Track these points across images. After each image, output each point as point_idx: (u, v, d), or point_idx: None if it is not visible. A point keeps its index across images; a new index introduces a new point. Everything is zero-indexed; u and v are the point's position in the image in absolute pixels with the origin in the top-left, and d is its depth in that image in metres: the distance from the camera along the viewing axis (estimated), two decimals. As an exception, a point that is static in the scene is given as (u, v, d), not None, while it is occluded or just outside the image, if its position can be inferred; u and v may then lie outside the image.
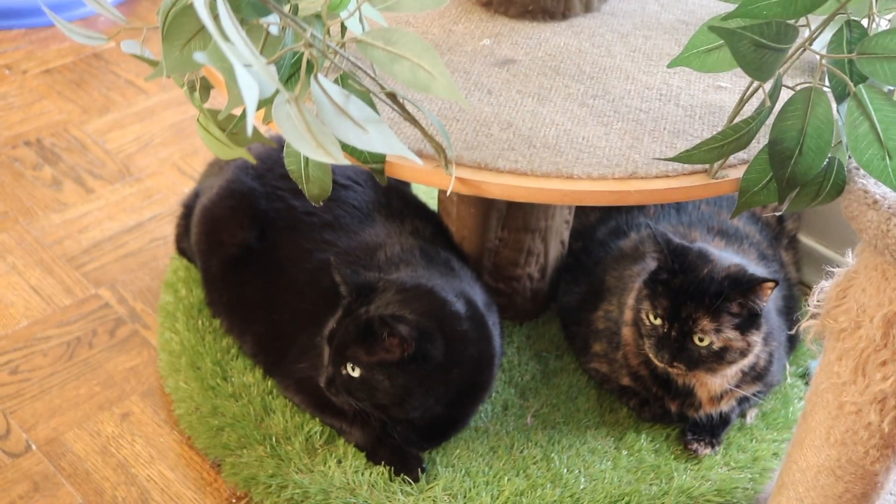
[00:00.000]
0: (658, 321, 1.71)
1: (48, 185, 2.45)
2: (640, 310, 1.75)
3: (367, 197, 1.93)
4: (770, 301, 1.83)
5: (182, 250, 2.15)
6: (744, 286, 1.66)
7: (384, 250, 1.84)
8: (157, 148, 2.59)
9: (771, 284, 1.66)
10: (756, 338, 1.71)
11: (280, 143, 1.93)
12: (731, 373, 1.78)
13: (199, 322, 2.00)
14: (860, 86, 1.27)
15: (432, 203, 2.15)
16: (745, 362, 1.76)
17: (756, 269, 1.78)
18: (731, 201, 2.05)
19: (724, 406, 1.84)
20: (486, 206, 1.93)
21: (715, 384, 1.79)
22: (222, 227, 1.93)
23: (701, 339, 1.69)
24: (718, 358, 1.71)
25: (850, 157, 1.37)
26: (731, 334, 1.69)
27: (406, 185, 2.19)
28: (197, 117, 1.47)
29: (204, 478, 1.82)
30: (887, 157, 1.26)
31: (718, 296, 1.66)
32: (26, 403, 1.93)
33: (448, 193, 1.44)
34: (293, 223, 1.89)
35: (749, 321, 1.70)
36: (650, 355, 1.74)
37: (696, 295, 1.68)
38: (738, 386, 1.81)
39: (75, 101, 2.73)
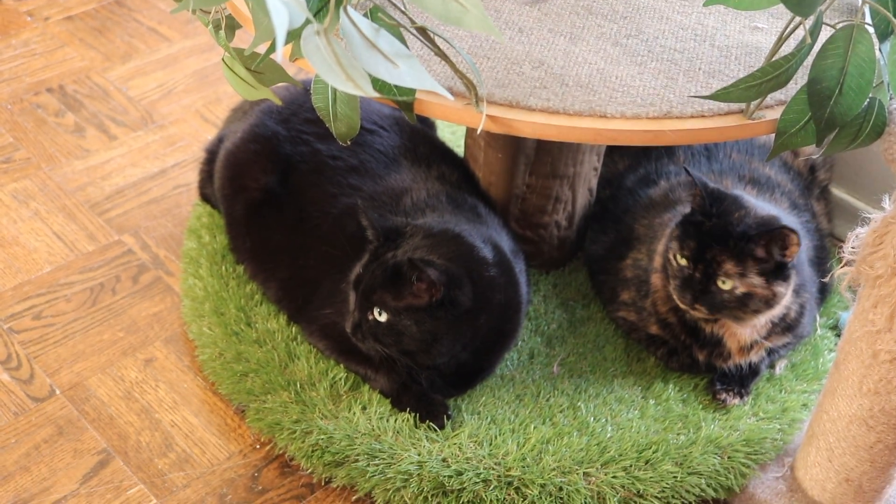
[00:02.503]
0: (684, 262, 1.70)
1: (71, 132, 2.43)
2: (668, 249, 1.73)
3: (393, 142, 1.90)
4: (802, 252, 1.80)
5: (205, 196, 2.13)
6: (767, 230, 1.63)
7: (410, 195, 1.81)
8: (180, 95, 2.57)
9: (795, 239, 1.62)
10: (782, 289, 1.68)
11: (306, 85, 1.91)
12: (761, 323, 1.75)
13: (223, 268, 1.99)
14: (904, 22, 1.24)
15: (458, 149, 2.13)
16: (774, 313, 1.74)
17: (790, 219, 1.75)
18: (763, 150, 2.01)
19: (754, 356, 1.82)
20: (513, 152, 1.90)
21: (744, 335, 1.77)
22: (246, 172, 1.91)
23: (724, 283, 1.66)
24: (741, 304, 1.68)
25: (891, 98, 1.34)
26: (755, 280, 1.66)
27: (432, 129, 2.17)
28: (222, 57, 1.45)
29: (228, 423, 1.82)
30: (931, 97, 1.22)
31: (743, 239, 1.64)
32: (50, 349, 1.93)
33: (479, 131, 1.41)
34: (318, 167, 1.87)
35: (776, 271, 1.67)
36: (674, 296, 1.72)
37: (722, 238, 1.65)
38: (767, 337, 1.79)
39: (97, 48, 2.71)
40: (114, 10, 2.86)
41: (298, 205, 1.86)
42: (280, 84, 1.46)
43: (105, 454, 1.75)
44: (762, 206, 1.72)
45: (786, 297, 1.71)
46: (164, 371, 1.90)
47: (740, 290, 1.67)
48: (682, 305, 1.73)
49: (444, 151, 1.98)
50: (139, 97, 2.56)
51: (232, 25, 1.51)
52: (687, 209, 1.75)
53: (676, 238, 1.71)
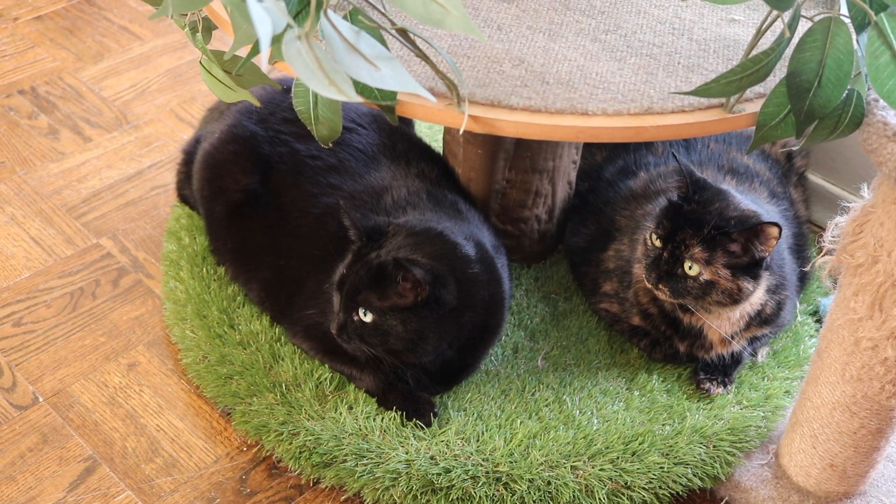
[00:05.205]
0: (658, 242, 1.70)
1: (45, 135, 2.41)
2: (647, 228, 1.74)
3: (372, 139, 1.90)
4: (783, 249, 1.81)
5: (184, 198, 2.12)
6: (747, 225, 1.63)
7: (390, 193, 1.81)
8: (154, 94, 2.55)
9: (776, 233, 1.63)
10: (748, 286, 1.68)
11: (285, 85, 1.89)
12: (735, 317, 1.76)
13: (204, 270, 1.98)
14: (881, 14, 1.24)
15: (437, 145, 2.12)
16: (747, 309, 1.74)
17: (770, 216, 1.76)
18: (741, 139, 2.02)
19: (736, 346, 1.82)
20: (493, 147, 1.90)
21: (722, 327, 1.77)
22: (225, 173, 1.90)
23: (690, 268, 1.67)
24: (704, 293, 1.68)
25: (869, 89, 1.34)
26: (721, 271, 1.66)
27: (410, 126, 2.16)
28: (200, 59, 1.44)
29: (214, 427, 1.81)
30: (909, 88, 1.23)
31: (718, 230, 1.64)
32: (31, 356, 1.91)
33: (461, 132, 1.41)
34: (297, 167, 1.86)
35: (746, 268, 1.67)
36: (643, 276, 1.73)
37: (697, 223, 1.66)
38: (745, 329, 1.80)
39: (69, 49, 2.69)
40: (84, 8, 2.84)
41: (278, 205, 1.86)
42: (257, 84, 1.46)
43: (91, 461, 1.74)
44: (746, 202, 1.72)
45: (753, 295, 1.71)
46: (147, 375, 1.89)
47: (705, 276, 1.67)
48: (647, 285, 1.74)
49: (422, 148, 1.97)
50: (113, 97, 2.53)
51: (208, 27, 1.50)
52: (672, 197, 1.75)
53: (655, 218, 1.72)
